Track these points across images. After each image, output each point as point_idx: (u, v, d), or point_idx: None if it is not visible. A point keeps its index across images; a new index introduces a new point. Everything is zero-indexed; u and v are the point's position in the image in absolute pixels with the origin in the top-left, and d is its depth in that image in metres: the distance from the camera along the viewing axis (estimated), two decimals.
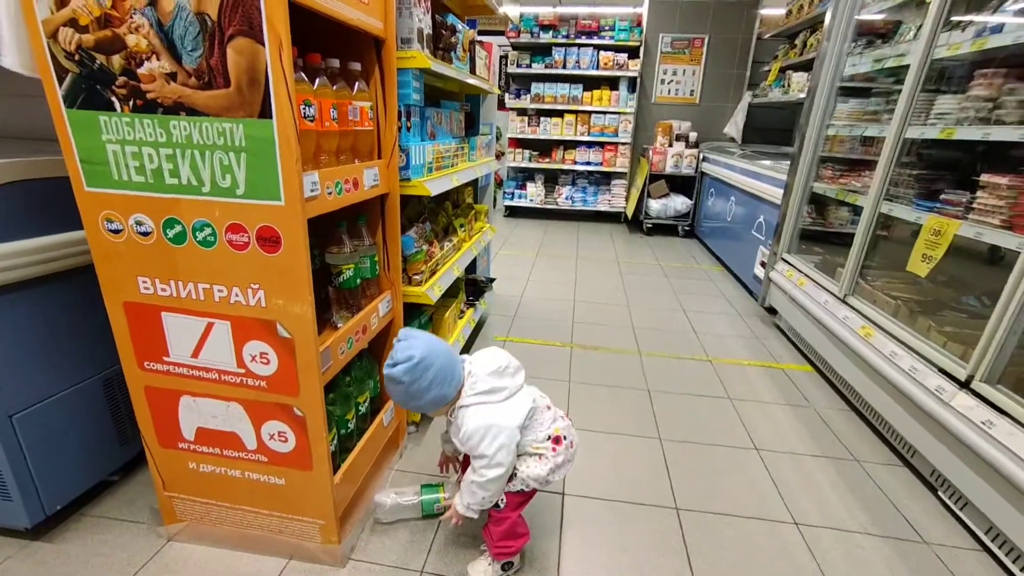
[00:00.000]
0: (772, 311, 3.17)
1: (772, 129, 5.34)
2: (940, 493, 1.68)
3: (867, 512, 1.63)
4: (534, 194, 5.96)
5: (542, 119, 5.68)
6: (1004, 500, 1.40)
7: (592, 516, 1.56)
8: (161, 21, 0.93)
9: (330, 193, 1.15)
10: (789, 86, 4.34)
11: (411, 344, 1.15)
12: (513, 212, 6.19)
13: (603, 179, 6.01)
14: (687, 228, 5.46)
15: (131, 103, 0.98)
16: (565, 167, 5.87)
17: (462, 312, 2.45)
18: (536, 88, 5.61)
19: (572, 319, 3.09)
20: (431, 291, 1.78)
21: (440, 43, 1.71)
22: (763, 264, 3.34)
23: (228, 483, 1.32)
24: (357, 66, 1.32)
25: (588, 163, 5.79)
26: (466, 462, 1.41)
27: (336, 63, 1.22)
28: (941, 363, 1.70)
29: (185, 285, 1.12)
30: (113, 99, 0.99)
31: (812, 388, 2.40)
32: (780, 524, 1.56)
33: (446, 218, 2.23)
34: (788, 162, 3.39)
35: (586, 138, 5.68)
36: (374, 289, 1.55)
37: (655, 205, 5.38)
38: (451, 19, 1.82)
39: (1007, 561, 1.41)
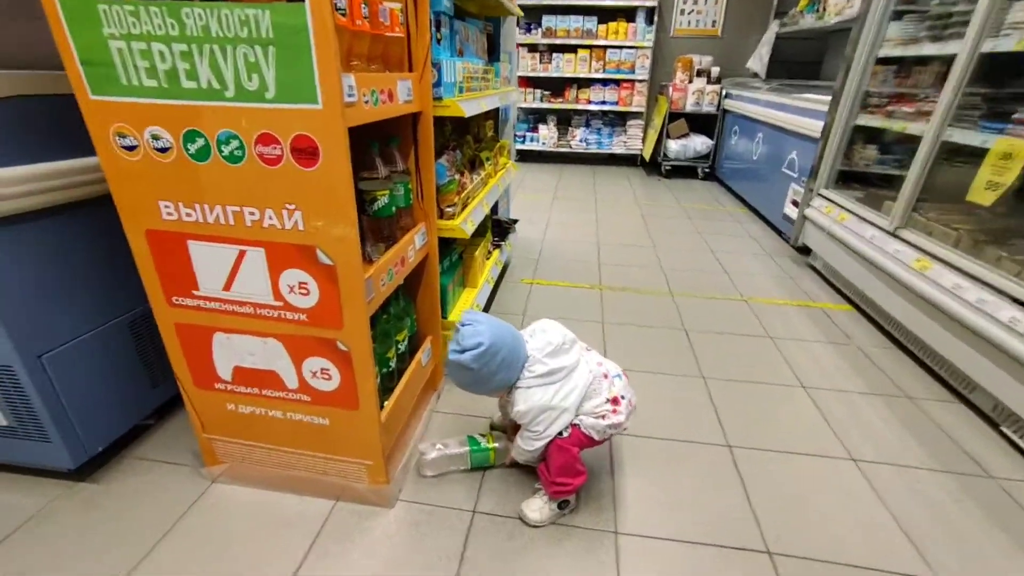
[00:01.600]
0: (805, 251, 3.04)
1: (800, 63, 5.00)
2: (1003, 428, 1.62)
3: (924, 447, 1.57)
4: (546, 136, 5.70)
5: (554, 55, 5.34)
6: None
7: (644, 454, 1.51)
8: None
9: (367, 102, 1.01)
10: (824, 10, 4.00)
11: (477, 329, 1.14)
12: (524, 156, 5.95)
13: (618, 120, 5.73)
14: (707, 170, 5.24)
15: None
16: (579, 107, 5.57)
17: (489, 252, 2.34)
18: (547, 21, 5.23)
19: (598, 261, 2.98)
20: (465, 224, 1.66)
21: None
22: (794, 203, 3.18)
23: (269, 424, 1.25)
24: None
25: (603, 103, 5.49)
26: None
27: None
28: (1015, 293, 1.60)
29: (212, 208, 1.00)
30: None
31: (853, 326, 2.31)
32: (836, 460, 1.51)
33: (471, 150, 2.08)
34: (821, 95, 3.17)
35: (601, 75, 5.35)
36: (408, 220, 1.43)
37: (674, 146, 5.14)
38: None
39: None
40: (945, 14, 2.26)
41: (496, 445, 1.42)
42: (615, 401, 1.24)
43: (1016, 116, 1.88)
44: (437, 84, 1.43)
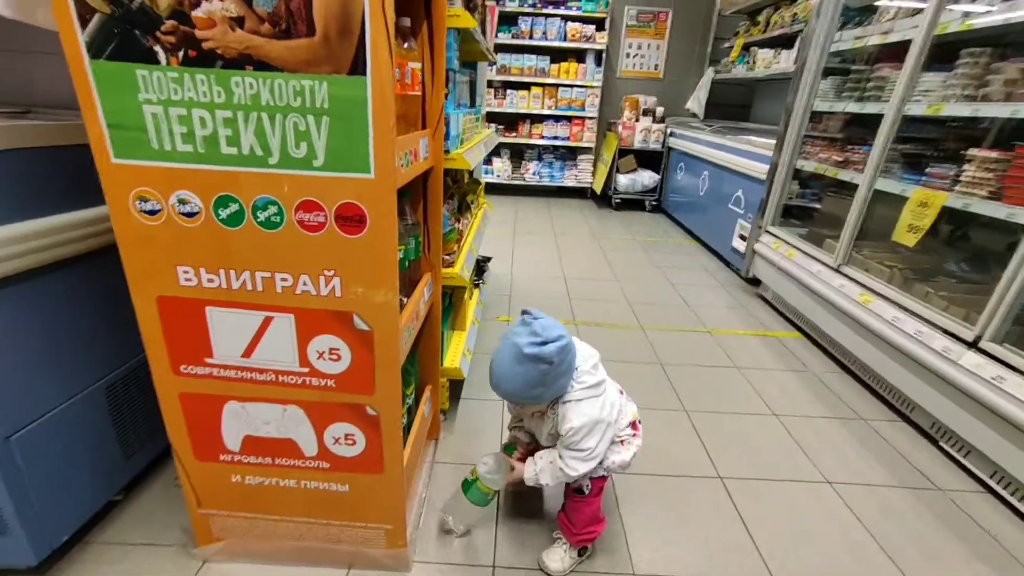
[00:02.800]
0: (755, 282, 3.31)
1: (733, 105, 5.51)
2: (941, 443, 1.84)
3: (883, 466, 1.75)
4: (500, 169, 5.83)
5: (508, 92, 5.52)
6: (1011, 445, 1.54)
7: (644, 493, 1.57)
8: None
9: (402, 165, 1.02)
10: (754, 62, 4.47)
11: (548, 323, 1.07)
12: None
13: (569, 154, 5.97)
14: (654, 203, 5.57)
15: (181, 54, 0.80)
16: (532, 141, 5.77)
17: (472, 294, 2.35)
18: (503, 59, 5.41)
19: (568, 296, 3.07)
20: (463, 271, 1.67)
21: (471, 2, 1.56)
22: (742, 237, 3.47)
23: (280, 494, 1.18)
24: (407, 22, 1.17)
25: (555, 137, 5.72)
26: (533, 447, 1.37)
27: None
28: (945, 325, 1.84)
29: (239, 274, 0.96)
30: (156, 48, 0.80)
31: (806, 353, 2.54)
32: (815, 484, 1.64)
33: (459, 194, 2.10)
34: (761, 138, 3.52)
35: (553, 112, 5.59)
36: (416, 273, 1.43)
37: (623, 180, 5.43)
38: None
39: (1013, 500, 1.57)
40: (863, 78, 2.62)
41: (481, 471, 1.29)
42: (634, 425, 1.25)
43: (928, 170, 2.20)
44: (445, 137, 1.46)
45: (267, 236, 0.93)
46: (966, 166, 2.00)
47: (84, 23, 0.78)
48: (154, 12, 0.78)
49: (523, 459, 1.27)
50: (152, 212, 0.91)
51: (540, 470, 1.19)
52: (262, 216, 0.91)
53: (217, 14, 0.78)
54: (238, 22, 0.79)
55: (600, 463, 1.20)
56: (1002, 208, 1.77)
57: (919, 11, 2.19)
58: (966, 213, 1.91)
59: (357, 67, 0.81)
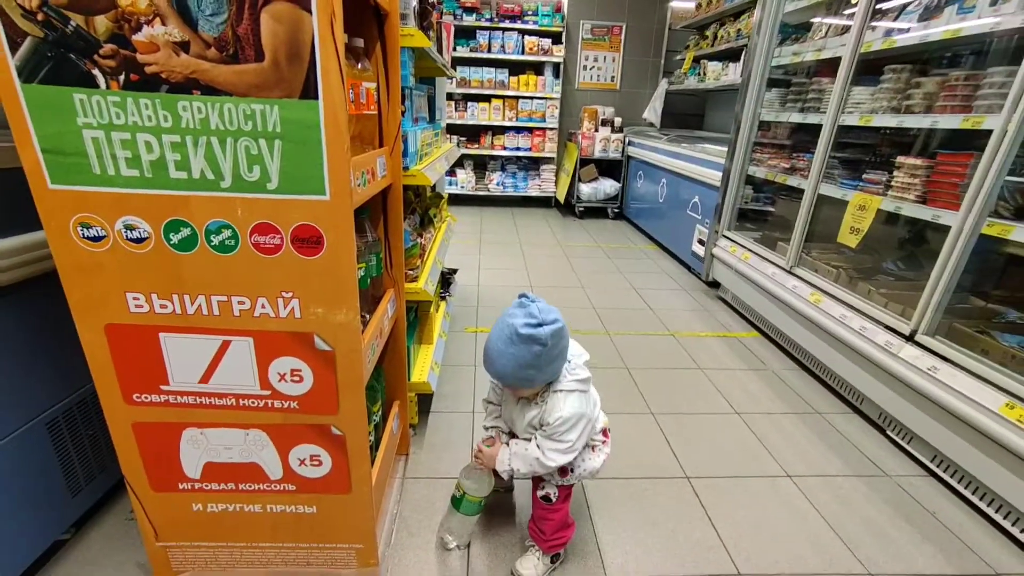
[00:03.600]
0: (714, 284, 3.43)
1: (687, 114, 5.71)
2: (889, 432, 1.95)
3: (838, 456, 1.84)
4: (464, 180, 5.85)
5: (469, 104, 5.56)
6: (947, 430, 1.65)
7: (614, 496, 1.60)
8: None
9: (359, 185, 1.02)
10: (705, 74, 4.66)
11: (544, 307, 1.08)
12: None
13: (532, 164, 6.05)
14: (616, 210, 5.70)
15: (122, 78, 0.79)
16: (495, 153, 5.82)
17: (438, 307, 2.35)
18: (462, 72, 5.46)
19: None
20: (427, 285, 1.68)
21: (425, 21, 1.58)
22: (700, 242, 3.59)
23: (244, 520, 1.15)
24: (360, 43, 1.18)
25: (517, 148, 5.79)
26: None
27: (344, 38, 1.08)
28: (886, 321, 1.96)
29: (194, 299, 0.94)
30: (95, 72, 0.78)
31: (764, 352, 2.64)
32: (776, 478, 1.71)
33: (421, 209, 2.11)
34: (715, 146, 3.67)
35: (514, 123, 5.66)
36: (379, 289, 1.42)
37: (586, 189, 5.54)
38: None
39: (952, 481, 1.68)
40: (804, 90, 2.77)
41: (466, 485, 1.31)
42: (605, 432, 1.29)
43: (865, 176, 2.34)
44: (404, 154, 1.47)
45: (222, 260, 0.91)
46: (896, 172, 2.15)
47: (15, 47, 0.76)
48: (91, 36, 0.77)
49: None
50: (96, 239, 0.88)
51: (513, 454, 1.19)
52: (216, 240, 0.90)
53: (160, 39, 0.77)
54: (183, 47, 0.78)
55: (572, 470, 1.23)
56: (928, 210, 1.91)
57: (847, 29, 2.34)
58: (899, 215, 2.05)
59: (308, 91, 0.81)
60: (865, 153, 2.50)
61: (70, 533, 1.35)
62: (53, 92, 0.79)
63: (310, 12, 0.77)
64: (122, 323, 0.94)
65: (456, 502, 1.33)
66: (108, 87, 0.79)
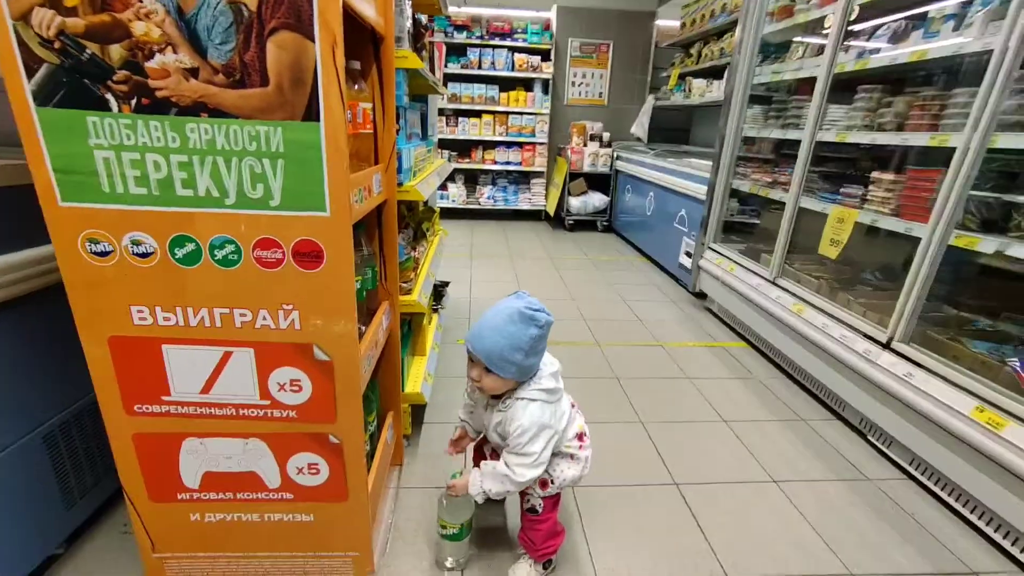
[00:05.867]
0: (701, 295, 3.50)
1: (674, 129, 5.85)
2: (869, 437, 2.01)
3: (822, 461, 1.90)
4: (456, 195, 5.92)
5: (460, 119, 5.65)
6: (923, 434, 1.71)
7: (604, 504, 1.63)
8: (182, 8, 0.80)
9: (356, 201, 1.07)
10: (690, 91, 4.79)
11: (539, 303, 1.15)
12: None
13: (522, 178, 6.15)
14: (605, 223, 5.79)
15: (133, 102, 0.83)
16: (485, 167, 5.91)
17: (431, 319, 2.39)
18: (453, 88, 5.56)
19: None
20: (420, 298, 1.72)
21: (419, 42, 1.65)
22: (688, 254, 3.67)
23: (242, 529, 1.17)
24: (356, 65, 1.23)
25: (508, 163, 5.89)
26: (480, 452, 1.45)
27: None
28: (865, 329, 2.03)
29: (197, 312, 0.97)
30: (108, 96, 0.83)
31: (750, 361, 2.70)
32: (762, 484, 1.76)
33: (414, 223, 2.16)
34: (700, 160, 3.77)
35: (505, 138, 5.76)
36: (374, 302, 1.46)
37: (575, 202, 5.63)
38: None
39: (929, 483, 1.74)
40: (784, 107, 2.89)
41: (446, 518, 1.31)
42: (580, 437, 1.29)
43: (842, 190, 2.44)
44: (398, 171, 1.52)
45: (225, 274, 0.95)
46: (871, 187, 2.24)
47: (31, 72, 0.80)
48: (105, 63, 0.81)
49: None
50: (103, 254, 0.92)
51: (484, 475, 1.19)
52: (219, 254, 0.94)
53: (171, 66, 0.82)
54: (192, 72, 0.83)
55: (552, 481, 1.25)
56: (901, 223, 1.99)
57: (823, 49, 2.45)
58: (877, 228, 2.14)
59: (310, 114, 0.86)
60: (843, 168, 2.60)
61: (63, 548, 1.35)
62: (67, 115, 0.83)
63: (313, 41, 0.82)
64: (125, 335, 0.97)
65: (443, 535, 1.32)
66: (120, 110, 0.84)
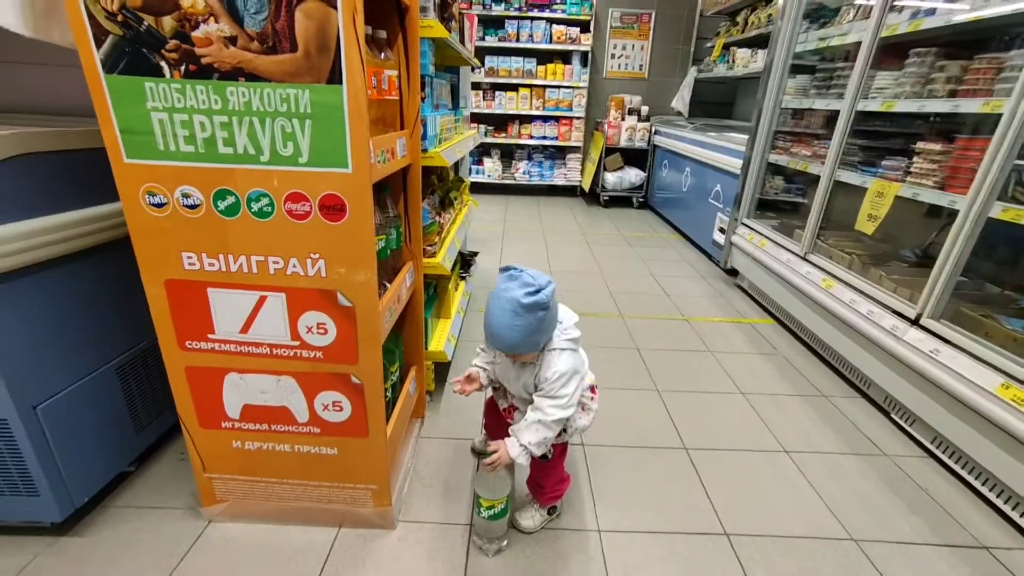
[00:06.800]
0: (733, 272, 3.45)
1: (717, 103, 5.65)
2: (893, 415, 1.98)
3: (838, 436, 1.89)
4: (491, 169, 5.96)
5: (497, 93, 5.66)
6: (946, 411, 1.68)
7: (613, 462, 1.70)
8: None
9: (378, 161, 1.16)
10: (734, 62, 4.61)
11: (533, 272, 1.16)
12: (471, 188, 6.14)
13: (558, 153, 6.12)
14: (641, 199, 5.71)
15: (183, 68, 0.94)
16: (521, 142, 5.91)
17: (457, 284, 2.49)
18: (490, 61, 5.56)
19: None
20: (444, 262, 1.81)
21: (446, 12, 1.70)
22: (721, 230, 3.61)
23: (276, 458, 1.31)
24: (383, 34, 1.30)
25: (544, 137, 5.86)
26: (493, 412, 1.50)
27: (369, 30, 1.20)
28: (894, 305, 1.98)
29: (236, 259, 1.09)
30: (162, 64, 0.94)
31: (776, 338, 2.67)
32: (774, 453, 1.78)
33: (442, 191, 2.24)
34: (739, 134, 3.66)
35: (541, 112, 5.73)
36: (399, 261, 1.56)
37: (611, 178, 5.57)
38: None
39: (949, 461, 1.71)
40: (827, 76, 2.76)
41: (484, 494, 1.29)
42: (592, 389, 1.36)
43: (884, 163, 2.34)
44: (423, 137, 1.60)
45: (260, 224, 1.06)
46: (916, 158, 2.14)
47: (99, 43, 0.92)
48: (160, 33, 0.92)
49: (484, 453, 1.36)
50: (159, 205, 1.05)
51: (518, 433, 1.21)
52: (255, 207, 1.05)
53: (213, 34, 0.92)
54: (231, 40, 0.93)
55: (565, 429, 1.33)
56: (946, 196, 1.91)
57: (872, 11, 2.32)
58: (915, 202, 2.06)
59: (334, 77, 0.95)
60: (885, 140, 2.49)
61: (134, 467, 1.55)
62: (129, 81, 0.95)
63: (336, 9, 0.90)
64: (178, 279, 1.11)
65: (487, 516, 1.30)
66: (171, 76, 0.95)
